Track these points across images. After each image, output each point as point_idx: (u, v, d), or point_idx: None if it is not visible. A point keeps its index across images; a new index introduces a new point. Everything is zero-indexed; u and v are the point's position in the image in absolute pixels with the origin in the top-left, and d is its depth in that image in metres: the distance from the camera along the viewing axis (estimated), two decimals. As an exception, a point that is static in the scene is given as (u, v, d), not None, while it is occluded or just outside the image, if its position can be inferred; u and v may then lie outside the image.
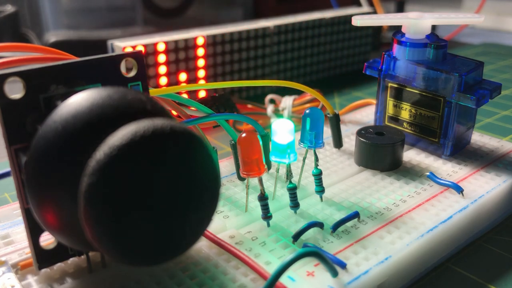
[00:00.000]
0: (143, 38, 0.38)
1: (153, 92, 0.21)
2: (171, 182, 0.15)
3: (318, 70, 0.50)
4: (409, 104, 0.29)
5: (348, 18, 0.50)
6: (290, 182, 0.23)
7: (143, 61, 0.20)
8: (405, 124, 0.29)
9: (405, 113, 0.29)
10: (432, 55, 0.28)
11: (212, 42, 0.40)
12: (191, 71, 0.40)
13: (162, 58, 0.38)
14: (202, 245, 0.21)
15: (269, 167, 0.26)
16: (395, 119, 0.30)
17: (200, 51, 0.40)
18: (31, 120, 0.17)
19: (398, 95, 0.29)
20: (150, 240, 0.15)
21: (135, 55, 0.20)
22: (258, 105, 0.38)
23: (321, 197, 0.24)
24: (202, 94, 0.41)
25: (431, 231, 0.21)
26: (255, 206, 0.23)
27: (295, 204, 0.23)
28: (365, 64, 0.30)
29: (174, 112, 0.23)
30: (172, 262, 0.19)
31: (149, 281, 0.19)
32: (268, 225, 0.22)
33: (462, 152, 0.29)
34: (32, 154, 0.16)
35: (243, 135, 0.22)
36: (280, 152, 0.23)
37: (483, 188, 0.25)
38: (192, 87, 0.25)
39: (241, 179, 0.26)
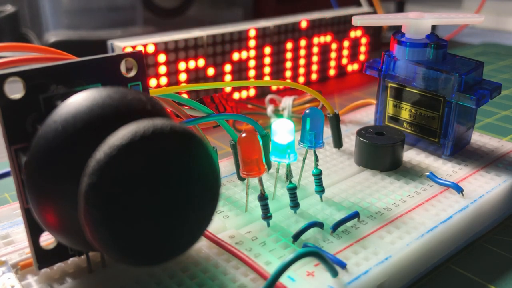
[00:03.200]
0: (143, 38, 0.38)
1: (153, 92, 0.21)
2: (171, 182, 0.15)
3: (318, 70, 0.50)
4: (409, 104, 0.29)
5: (348, 18, 0.50)
6: (290, 182, 0.23)
7: (143, 61, 0.20)
8: (405, 124, 0.29)
9: (405, 113, 0.29)
10: (432, 55, 0.27)
11: (212, 42, 0.40)
12: (191, 71, 0.40)
13: (162, 58, 0.38)
14: (202, 245, 0.21)
15: (269, 167, 0.26)
16: (395, 119, 0.30)
17: (201, 51, 0.40)
18: (31, 120, 0.17)
19: (398, 95, 0.29)
20: (150, 240, 0.15)
21: (135, 55, 0.20)
22: (258, 105, 0.38)
23: (321, 197, 0.24)
24: (202, 94, 0.41)
25: (431, 231, 0.21)
26: (255, 206, 0.23)
27: (295, 204, 0.23)
28: (365, 64, 0.30)
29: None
30: (172, 262, 0.19)
31: (149, 281, 0.19)
32: (268, 225, 0.22)
33: (462, 152, 0.29)
34: (32, 154, 0.16)
35: (243, 135, 0.22)
36: (280, 152, 0.23)
37: (483, 188, 0.25)
38: (192, 87, 0.25)
39: (241, 179, 0.26)
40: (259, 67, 0.44)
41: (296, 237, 0.21)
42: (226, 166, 0.28)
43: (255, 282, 0.19)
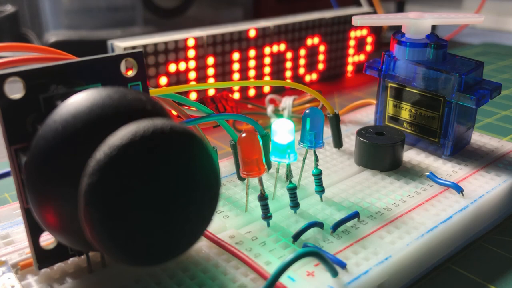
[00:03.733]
0: (143, 38, 0.38)
1: (153, 92, 0.21)
2: (171, 182, 0.15)
3: (318, 70, 0.50)
4: (409, 104, 0.29)
5: (348, 18, 0.50)
6: (290, 182, 0.23)
7: (143, 61, 0.20)
8: (405, 124, 0.29)
9: (405, 113, 0.29)
10: (432, 55, 0.27)
11: (212, 42, 0.40)
12: (191, 71, 0.40)
13: (162, 58, 0.38)
14: (202, 245, 0.21)
15: (269, 167, 0.26)
16: (395, 119, 0.30)
17: (200, 51, 0.40)
18: (31, 120, 0.17)
19: (398, 95, 0.29)
20: (150, 240, 0.15)
21: (135, 55, 0.20)
22: (258, 105, 0.38)
23: (321, 197, 0.24)
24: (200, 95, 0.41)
25: (431, 231, 0.21)
26: (255, 206, 0.23)
27: (295, 204, 0.23)
28: (365, 64, 0.30)
29: (174, 112, 0.23)
30: (172, 262, 0.19)
31: (149, 281, 0.19)
32: (268, 225, 0.22)
33: (462, 152, 0.29)
34: (32, 154, 0.16)
35: (243, 135, 0.22)
36: (280, 152, 0.23)
37: (483, 188, 0.25)
38: (192, 87, 0.25)
39: (241, 179, 0.26)
40: (259, 67, 0.44)
41: (296, 237, 0.21)
42: (226, 166, 0.28)
43: (255, 282, 0.19)
